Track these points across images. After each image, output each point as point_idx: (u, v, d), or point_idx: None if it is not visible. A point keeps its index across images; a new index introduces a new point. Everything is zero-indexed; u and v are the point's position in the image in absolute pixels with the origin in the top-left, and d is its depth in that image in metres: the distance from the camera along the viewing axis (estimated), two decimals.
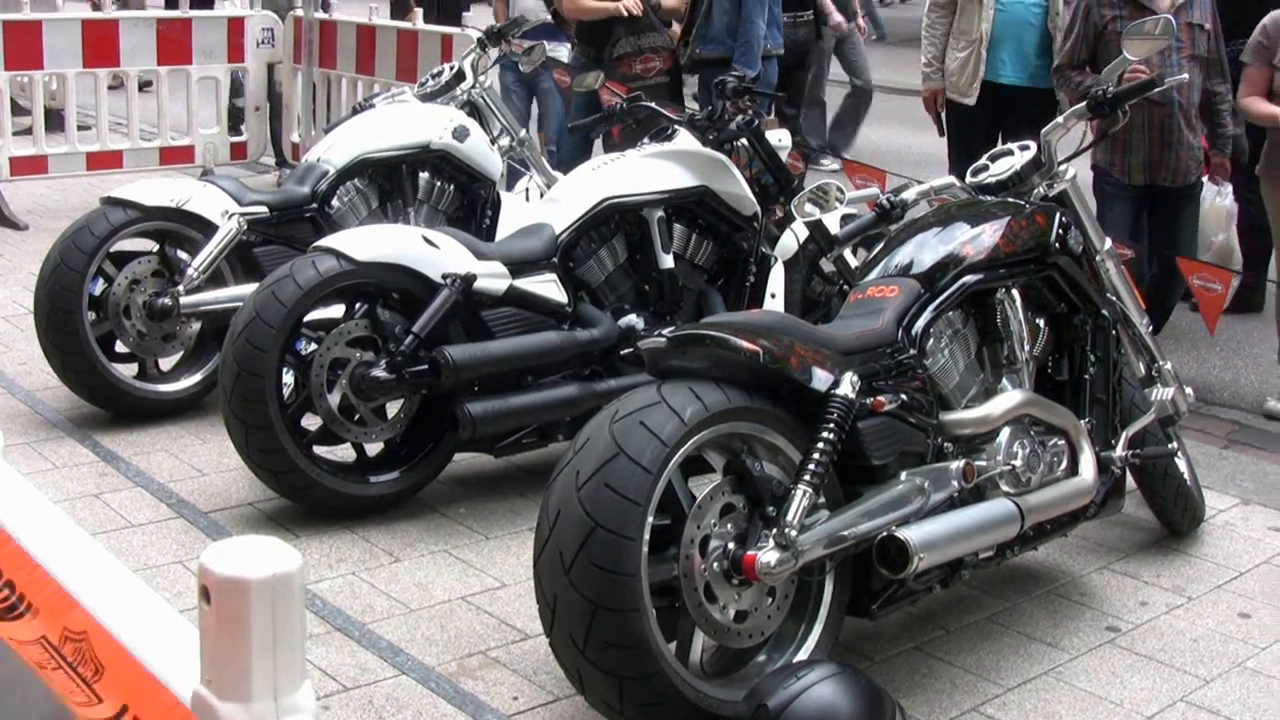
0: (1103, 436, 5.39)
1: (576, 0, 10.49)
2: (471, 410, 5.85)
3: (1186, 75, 6.37)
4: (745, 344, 4.24)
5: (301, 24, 12.56)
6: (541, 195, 7.84)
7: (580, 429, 4.29)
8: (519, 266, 6.18)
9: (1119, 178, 8.00)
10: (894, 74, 17.46)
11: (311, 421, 6.06)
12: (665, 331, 4.43)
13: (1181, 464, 6.09)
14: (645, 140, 7.05)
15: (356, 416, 6.02)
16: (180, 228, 7.03)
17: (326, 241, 6.03)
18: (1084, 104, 5.54)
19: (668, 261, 6.64)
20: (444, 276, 5.94)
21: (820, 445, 4.25)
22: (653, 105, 7.49)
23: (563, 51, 11.09)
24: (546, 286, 6.24)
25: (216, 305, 6.90)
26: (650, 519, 4.06)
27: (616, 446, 4.07)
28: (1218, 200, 8.72)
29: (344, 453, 6.21)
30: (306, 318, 5.91)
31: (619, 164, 6.67)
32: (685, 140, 6.92)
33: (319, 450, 6.05)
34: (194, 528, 5.83)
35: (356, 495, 5.99)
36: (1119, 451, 5.41)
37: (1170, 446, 5.89)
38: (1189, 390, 6.14)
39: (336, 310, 6.05)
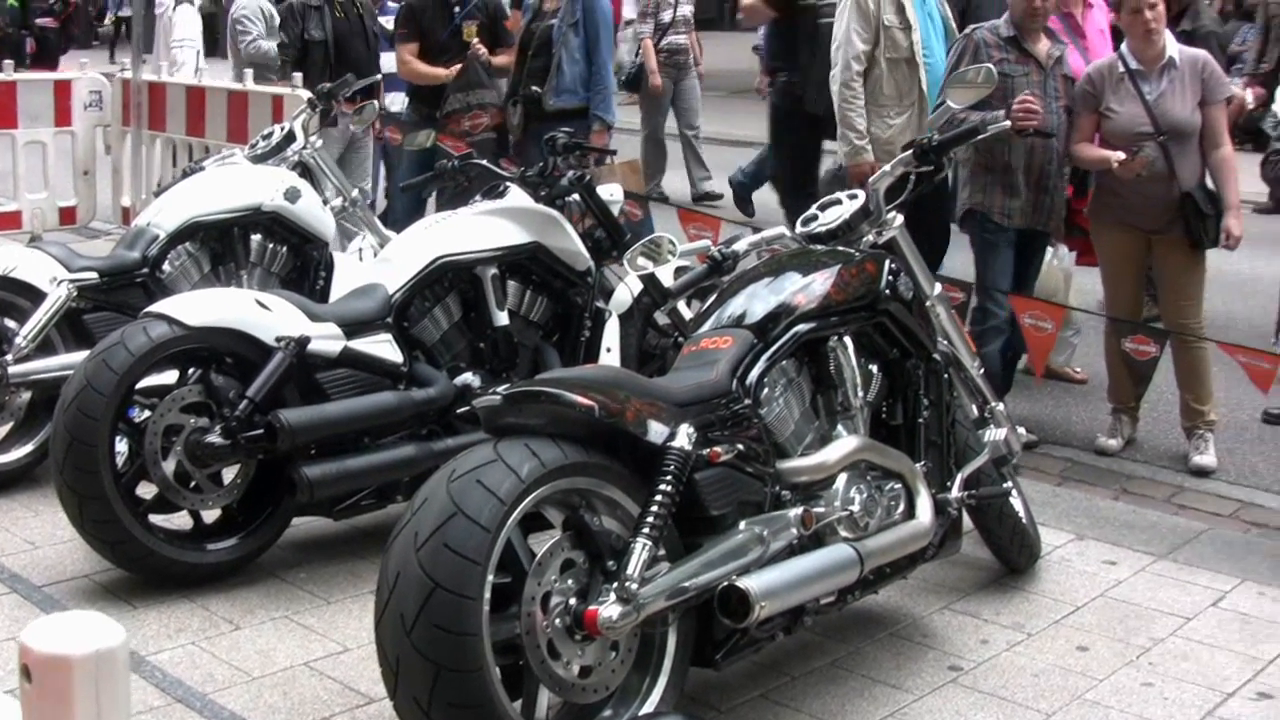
0: (938, 479, 5.45)
1: (410, 65, 10.60)
2: (309, 474, 5.80)
3: (1009, 122, 6.46)
4: (580, 399, 4.25)
5: (130, 86, 12.44)
6: (375, 255, 7.81)
7: (419, 489, 4.28)
8: (353, 327, 6.16)
9: (1000, 221, 8.08)
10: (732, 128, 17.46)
11: (146, 490, 5.97)
12: (500, 389, 4.43)
13: (1016, 503, 6.17)
14: (477, 198, 7.05)
15: (192, 483, 5.94)
16: (7, 295, 6.91)
17: (158, 307, 5.97)
18: (909, 152, 5.63)
19: (502, 319, 6.64)
20: (278, 339, 5.90)
21: (658, 498, 4.26)
22: (484, 163, 7.50)
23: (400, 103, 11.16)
24: (381, 347, 6.22)
25: (46, 374, 6.78)
26: (490, 577, 4.04)
27: (454, 506, 4.05)
28: (1055, 262, 8.85)
29: (181, 520, 6.11)
30: (139, 385, 5.83)
31: (451, 222, 6.66)
32: (517, 197, 6.94)
33: (155, 519, 5.96)
34: (28, 602, 5.71)
35: (194, 563, 5.90)
36: (955, 493, 5.48)
37: (1005, 486, 5.98)
38: (1022, 430, 6.24)
39: (169, 376, 5.98)
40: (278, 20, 12.47)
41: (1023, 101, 7.62)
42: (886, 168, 5.60)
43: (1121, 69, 7.90)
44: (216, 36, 21.34)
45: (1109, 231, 8.18)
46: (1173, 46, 7.94)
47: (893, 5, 8.68)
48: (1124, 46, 8.04)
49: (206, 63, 14.67)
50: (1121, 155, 7.72)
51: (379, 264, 6.69)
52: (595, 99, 9.99)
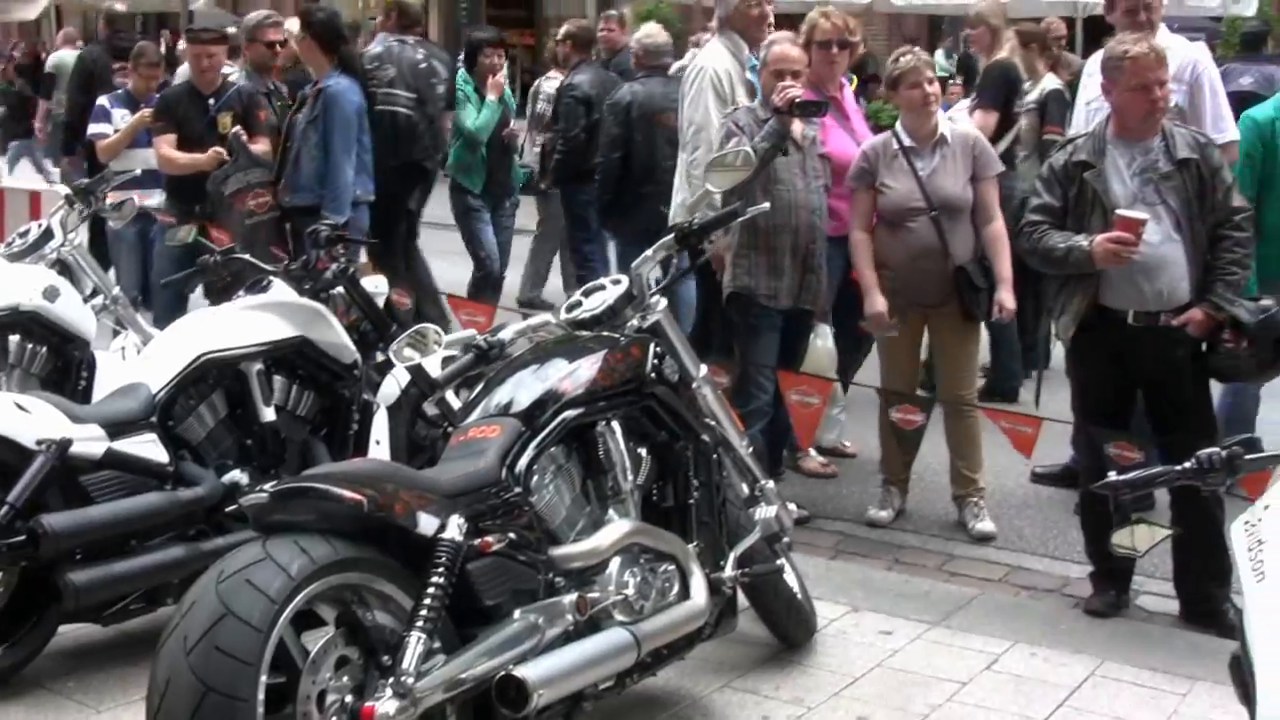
0: (712, 558, 5.48)
1: (169, 155, 10.44)
2: (74, 580, 5.66)
3: (768, 205, 6.56)
4: (348, 494, 4.22)
5: None
6: (138, 353, 7.69)
7: (188, 591, 4.21)
8: (117, 428, 6.03)
9: (766, 303, 8.13)
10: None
11: None
12: (268, 486, 4.38)
13: (790, 578, 6.22)
14: (241, 292, 6.99)
15: None
16: None
17: None
18: (671, 236, 5.69)
19: (269, 414, 6.56)
20: (38, 443, 5.76)
21: (431, 590, 4.25)
22: (247, 257, 7.44)
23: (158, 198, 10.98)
24: (146, 447, 6.10)
25: None
26: (263, 678, 3.99)
27: (224, 607, 4.00)
28: (819, 341, 8.94)
29: None
30: None
31: (215, 318, 6.61)
32: (281, 291, 6.89)
33: None
34: None
35: None
36: (728, 572, 5.51)
37: (778, 562, 6.02)
38: (793, 506, 6.30)
39: None
40: None
41: (781, 88, 7.79)
42: (649, 252, 5.65)
43: (896, 146, 8.08)
44: None
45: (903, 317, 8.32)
46: (945, 124, 8.15)
47: (744, 88, 8.84)
48: (898, 124, 8.21)
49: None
50: (883, 307, 8.04)
51: (142, 362, 6.60)
52: (326, 197, 9.74)
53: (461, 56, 13.17)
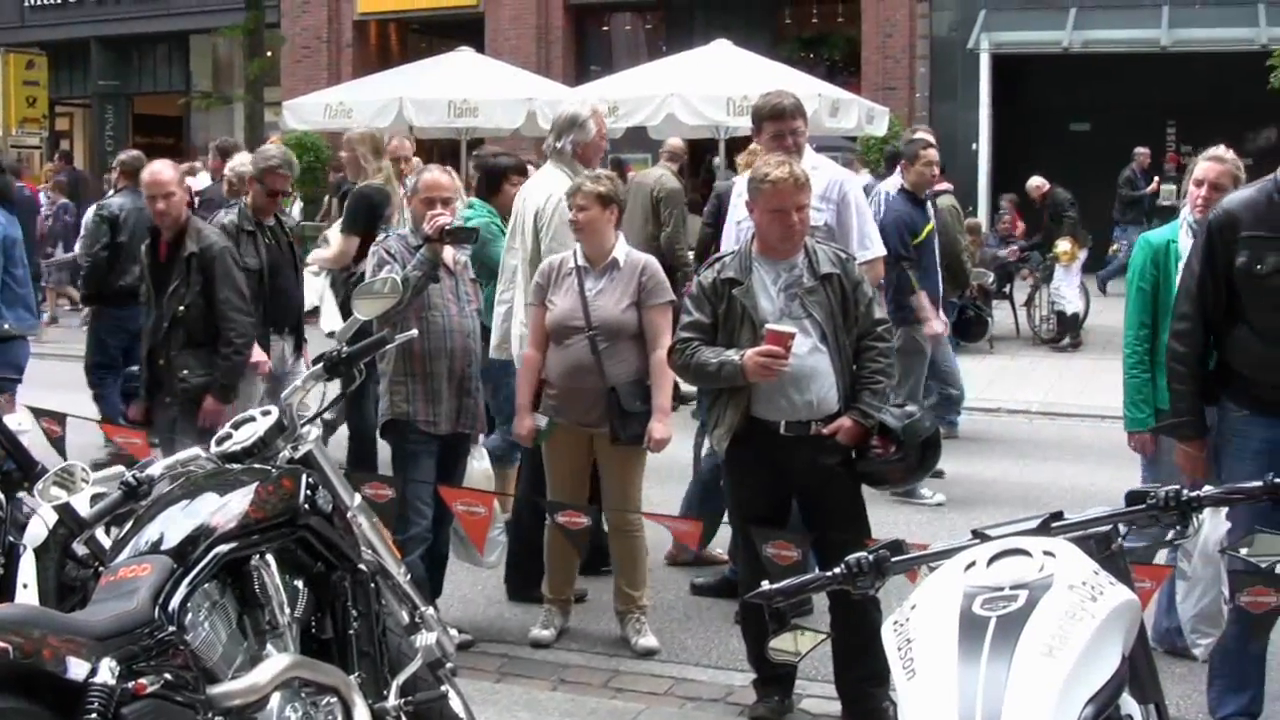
0: (375, 688, 5.42)
1: None
2: None
3: (415, 332, 6.63)
4: None
5: None
6: None
7: None
8: None
9: (424, 429, 8.16)
10: None
11: None
12: None
13: (456, 704, 6.18)
14: None
15: None
16: None
17: None
18: (321, 365, 5.68)
19: None
20: None
21: None
22: None
23: None
24: None
25: None
26: None
27: None
28: (475, 463, 8.94)
29: None
30: None
31: None
32: None
33: None
34: None
35: None
36: (392, 701, 5.46)
37: (442, 689, 5.99)
38: (454, 631, 6.29)
39: None
40: None
41: (431, 215, 7.88)
42: (298, 382, 5.63)
43: (572, 265, 8.20)
44: None
45: (551, 425, 8.39)
46: (620, 250, 8.30)
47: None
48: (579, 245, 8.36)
49: None
50: (525, 429, 8.34)
51: None
52: None
53: (478, 184, 11.63)
